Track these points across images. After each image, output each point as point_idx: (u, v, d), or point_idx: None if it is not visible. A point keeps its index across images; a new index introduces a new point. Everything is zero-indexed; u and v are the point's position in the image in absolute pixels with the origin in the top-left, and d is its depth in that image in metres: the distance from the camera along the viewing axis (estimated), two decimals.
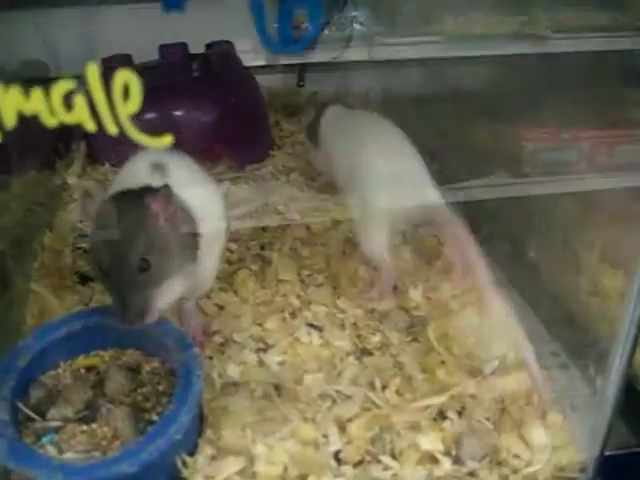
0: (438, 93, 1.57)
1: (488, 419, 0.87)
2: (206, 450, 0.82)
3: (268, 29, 0.60)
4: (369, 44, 1.34)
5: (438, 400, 0.88)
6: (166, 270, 0.80)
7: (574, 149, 1.17)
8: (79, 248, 1.20)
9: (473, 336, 0.99)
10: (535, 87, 1.23)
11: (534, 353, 0.87)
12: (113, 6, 1.54)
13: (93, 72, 0.49)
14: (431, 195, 1.05)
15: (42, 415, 0.81)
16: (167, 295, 0.82)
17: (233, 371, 0.94)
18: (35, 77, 1.39)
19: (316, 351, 0.98)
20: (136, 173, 0.87)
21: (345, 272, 1.12)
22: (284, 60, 1.51)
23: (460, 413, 0.88)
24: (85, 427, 0.80)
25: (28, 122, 0.50)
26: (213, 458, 0.81)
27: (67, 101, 0.50)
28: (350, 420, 0.86)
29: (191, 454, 0.81)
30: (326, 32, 1.34)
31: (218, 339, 1.00)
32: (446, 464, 0.81)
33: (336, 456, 0.82)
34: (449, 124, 1.46)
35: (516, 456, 0.83)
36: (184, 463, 0.79)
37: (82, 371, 0.89)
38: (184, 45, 1.50)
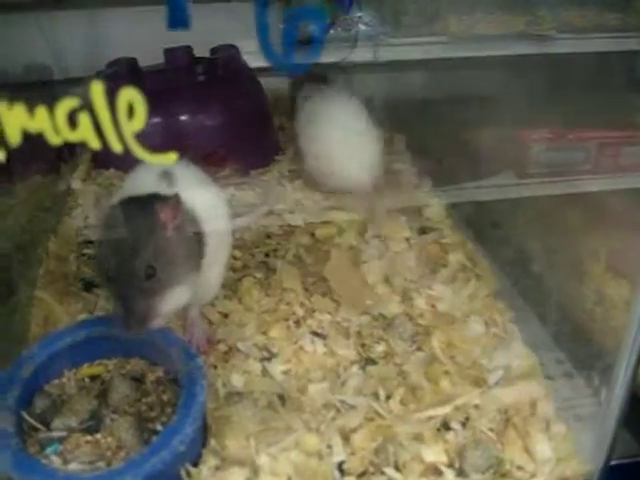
0: (443, 95, 1.57)
1: (492, 430, 0.87)
2: (210, 460, 0.82)
3: (273, 44, 0.60)
4: (374, 45, 1.34)
5: (442, 411, 0.88)
6: (171, 278, 0.80)
7: (580, 150, 1.17)
8: (84, 254, 1.20)
9: (477, 346, 0.99)
10: (541, 87, 1.23)
11: None
12: (117, 9, 1.54)
13: (98, 90, 0.49)
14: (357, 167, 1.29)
15: (46, 425, 0.82)
16: (171, 302, 0.82)
17: (237, 380, 0.94)
18: (39, 80, 1.39)
19: (320, 360, 0.98)
20: (143, 180, 0.87)
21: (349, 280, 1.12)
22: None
23: (464, 424, 0.87)
24: (89, 437, 0.80)
25: None
26: (217, 469, 0.81)
27: (72, 118, 0.50)
28: (354, 430, 0.86)
29: (195, 464, 0.81)
30: (332, 32, 1.34)
31: (222, 348, 1.00)
32: (450, 476, 0.81)
33: (340, 467, 0.82)
34: (454, 125, 1.46)
35: (520, 468, 0.82)
36: (188, 474, 0.79)
37: (86, 380, 0.89)
38: (189, 49, 1.50)
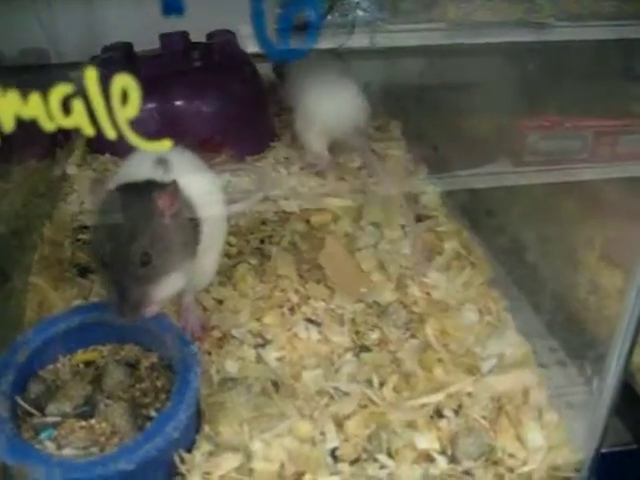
0: (439, 81, 1.56)
1: (484, 418, 0.87)
2: (204, 446, 0.82)
3: (269, 30, 0.60)
4: (371, 31, 1.34)
5: (435, 398, 0.88)
6: (167, 265, 0.81)
7: (577, 138, 1.16)
8: (79, 240, 1.20)
9: (471, 334, 1.00)
10: (537, 75, 1.23)
11: None
12: None
13: (92, 77, 0.49)
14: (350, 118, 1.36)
15: (41, 410, 0.82)
16: (166, 289, 0.83)
17: (231, 367, 0.94)
18: (36, 64, 1.38)
19: (314, 347, 0.99)
20: (139, 167, 0.87)
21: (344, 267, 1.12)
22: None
23: (457, 412, 0.88)
24: (84, 423, 0.81)
25: None
26: (211, 454, 0.82)
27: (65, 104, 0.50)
28: (347, 417, 0.87)
29: (189, 450, 0.81)
30: (329, 18, 1.34)
31: (216, 334, 1.00)
32: (442, 463, 0.81)
33: (333, 453, 0.83)
34: (450, 113, 1.46)
35: (511, 455, 0.83)
36: (182, 459, 0.79)
37: (81, 366, 0.89)
38: (185, 34, 1.49)
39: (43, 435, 0.79)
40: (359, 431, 0.85)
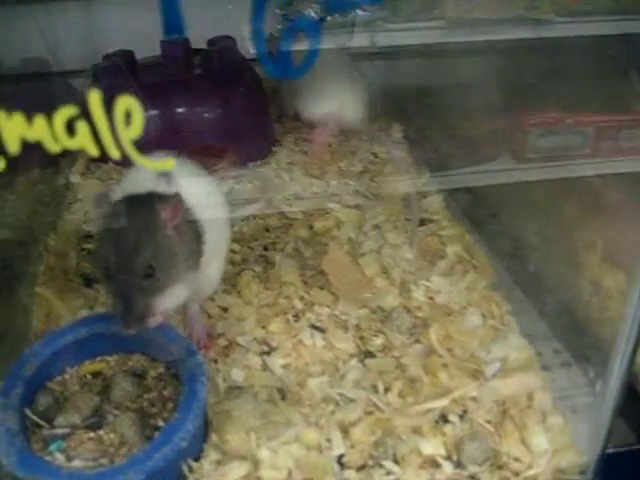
0: (440, 82, 1.57)
1: (489, 422, 0.88)
2: (211, 455, 0.83)
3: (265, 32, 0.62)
4: (371, 30, 1.34)
5: (440, 404, 0.89)
6: (170, 277, 0.82)
7: (578, 134, 1.17)
8: (83, 249, 1.21)
9: (475, 338, 1.00)
10: (539, 72, 1.23)
11: None
12: (114, 0, 1.54)
13: (95, 99, 0.50)
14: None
15: (49, 422, 0.83)
16: (170, 301, 0.84)
17: (237, 375, 0.95)
18: (36, 73, 1.39)
19: (319, 353, 0.99)
20: (143, 178, 0.87)
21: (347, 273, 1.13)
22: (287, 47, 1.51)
23: (461, 416, 0.89)
24: (92, 434, 0.81)
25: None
26: (218, 463, 0.82)
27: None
28: (353, 424, 0.87)
29: (196, 459, 0.82)
30: (329, 18, 1.34)
31: (222, 342, 1.00)
32: (447, 468, 0.82)
33: (339, 460, 0.83)
34: (451, 113, 1.46)
35: (516, 459, 0.84)
36: (190, 468, 0.80)
37: (88, 377, 0.90)
38: (186, 40, 1.50)
39: (52, 447, 0.79)
40: (365, 438, 0.85)
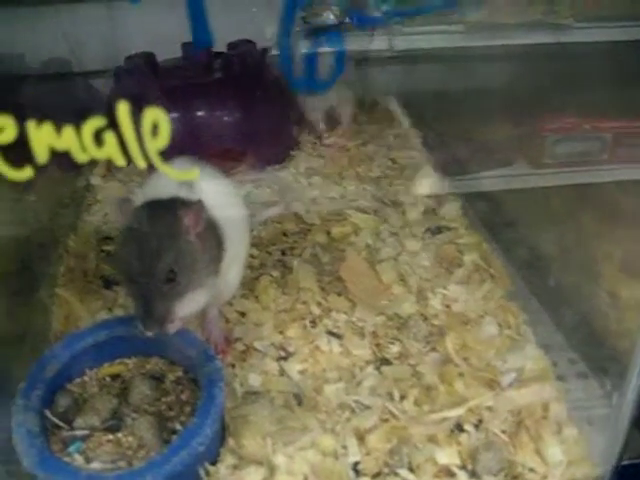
0: (458, 89, 1.57)
1: (504, 432, 0.88)
2: (228, 459, 0.84)
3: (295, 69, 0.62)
4: (389, 34, 1.34)
5: (455, 413, 0.89)
6: (191, 283, 0.82)
7: (596, 139, 1.17)
8: (103, 251, 1.22)
9: (491, 347, 1.00)
10: (557, 77, 1.23)
11: None
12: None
13: (124, 111, 0.51)
14: None
15: (69, 423, 0.84)
16: (190, 306, 0.85)
17: (254, 380, 0.95)
18: (58, 73, 1.40)
19: (336, 360, 1.00)
20: (165, 184, 0.87)
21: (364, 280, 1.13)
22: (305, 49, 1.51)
23: (477, 426, 0.89)
24: (111, 436, 0.82)
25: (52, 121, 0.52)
26: (235, 467, 0.83)
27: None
28: (369, 431, 0.88)
29: (213, 463, 0.83)
30: (347, 20, 1.34)
31: (240, 347, 1.01)
32: (462, 478, 0.82)
33: (355, 467, 0.84)
34: (469, 119, 1.46)
35: (531, 470, 0.84)
36: (207, 472, 0.81)
37: (107, 379, 0.91)
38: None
39: (72, 448, 0.80)
40: (380, 445, 0.86)
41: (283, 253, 1.22)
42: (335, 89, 1.51)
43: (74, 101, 1.37)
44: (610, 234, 1.10)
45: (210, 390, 0.82)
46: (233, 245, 0.91)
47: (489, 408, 0.91)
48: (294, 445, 0.85)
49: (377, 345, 1.02)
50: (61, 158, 0.54)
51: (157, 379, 0.90)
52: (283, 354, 1.01)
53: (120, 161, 0.53)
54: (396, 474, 0.83)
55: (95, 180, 1.44)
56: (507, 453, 0.85)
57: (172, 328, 0.82)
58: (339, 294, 1.11)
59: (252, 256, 1.18)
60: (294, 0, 0.65)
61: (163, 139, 0.52)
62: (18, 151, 0.51)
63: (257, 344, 1.01)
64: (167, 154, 0.54)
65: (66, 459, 0.79)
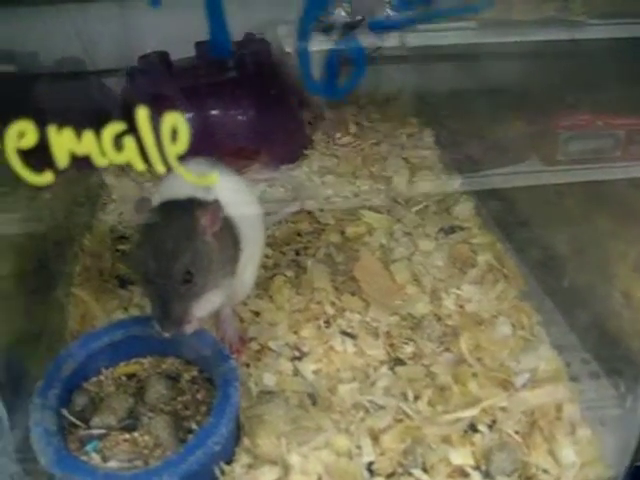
0: (471, 87, 1.57)
1: (517, 433, 0.88)
2: (243, 458, 0.84)
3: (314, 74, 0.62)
4: (402, 30, 1.34)
5: (469, 413, 0.89)
6: (208, 283, 0.83)
7: (609, 136, 1.16)
8: (118, 250, 1.22)
9: (505, 348, 1.00)
10: (570, 74, 1.23)
11: None
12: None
13: (143, 116, 0.51)
14: None
15: (86, 422, 0.84)
16: (206, 306, 0.86)
17: (269, 379, 0.96)
18: (71, 72, 1.41)
19: (350, 360, 1.00)
20: (181, 185, 0.87)
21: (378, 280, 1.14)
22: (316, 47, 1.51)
23: (490, 426, 0.89)
24: (127, 435, 0.83)
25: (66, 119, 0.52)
26: (250, 467, 0.84)
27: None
28: (383, 431, 0.88)
29: (228, 462, 0.83)
30: (358, 17, 1.34)
31: (254, 346, 1.02)
32: (476, 478, 0.82)
33: (369, 467, 0.84)
34: (482, 117, 1.46)
35: (545, 471, 0.84)
36: (222, 471, 0.81)
37: (123, 378, 0.92)
38: None
39: (89, 447, 0.81)
40: (394, 445, 0.86)
41: (297, 253, 1.23)
42: None
43: (87, 99, 1.37)
44: (624, 233, 1.10)
45: (225, 389, 0.83)
46: (249, 245, 0.91)
47: (503, 409, 0.91)
48: (308, 445, 0.86)
49: (391, 345, 1.03)
50: (79, 159, 0.55)
51: (173, 379, 0.91)
52: (297, 354, 1.01)
53: (139, 166, 0.53)
54: (410, 474, 0.83)
55: (109, 179, 1.44)
56: (520, 454, 0.85)
57: (189, 329, 0.83)
58: (353, 294, 1.12)
59: (266, 256, 1.18)
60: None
61: (182, 144, 0.53)
62: (36, 153, 0.52)
63: (271, 344, 1.02)
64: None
65: (83, 458, 0.79)
